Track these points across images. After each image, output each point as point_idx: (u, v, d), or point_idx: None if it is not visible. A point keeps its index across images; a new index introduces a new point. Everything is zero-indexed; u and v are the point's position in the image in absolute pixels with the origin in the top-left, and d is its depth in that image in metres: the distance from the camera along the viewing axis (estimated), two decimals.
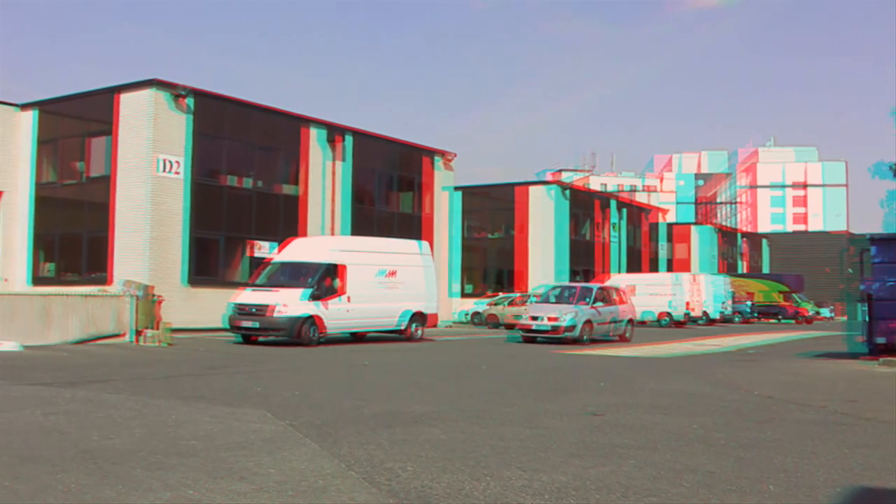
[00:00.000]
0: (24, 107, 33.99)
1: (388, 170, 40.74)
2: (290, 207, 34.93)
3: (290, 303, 24.74)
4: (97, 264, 31.06)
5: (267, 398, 11.94)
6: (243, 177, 33.63)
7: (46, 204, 33.31)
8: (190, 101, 30.89)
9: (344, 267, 26.25)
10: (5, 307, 23.00)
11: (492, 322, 43.01)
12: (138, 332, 24.22)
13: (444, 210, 43.35)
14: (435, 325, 30.46)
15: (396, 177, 41.40)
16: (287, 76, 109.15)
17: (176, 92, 30.47)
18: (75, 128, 33.13)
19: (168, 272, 29.79)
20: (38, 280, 32.85)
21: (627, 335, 31.88)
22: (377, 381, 15.48)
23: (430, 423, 9.86)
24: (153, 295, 25.12)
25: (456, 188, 46.87)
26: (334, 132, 36.82)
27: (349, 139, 37.63)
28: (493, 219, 55.77)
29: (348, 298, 26.10)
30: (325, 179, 36.33)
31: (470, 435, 9.04)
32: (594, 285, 32.70)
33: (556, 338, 28.68)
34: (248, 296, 25.50)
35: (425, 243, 31.13)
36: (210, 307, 29.32)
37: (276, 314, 24.51)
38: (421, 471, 7.03)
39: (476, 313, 45.05)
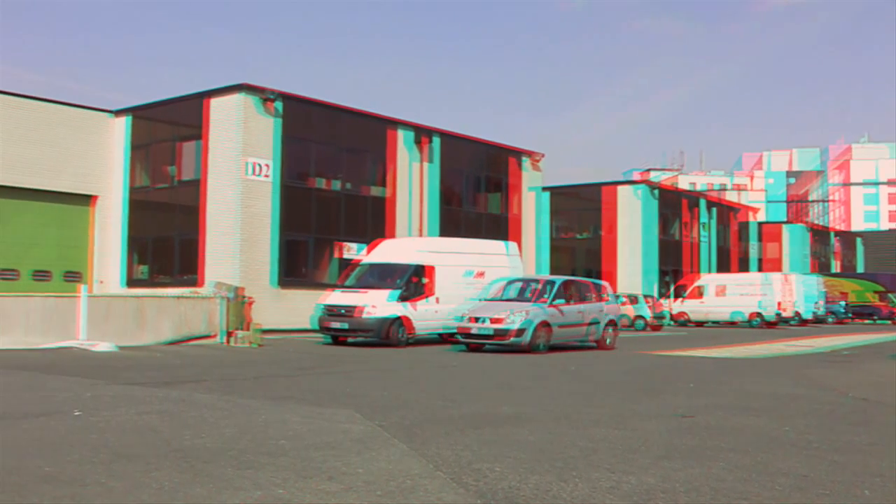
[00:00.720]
0: (117, 113, 34.72)
1: (476, 171, 40.74)
2: (377, 209, 35.13)
3: (378, 304, 24.89)
4: (189, 266, 31.59)
5: (356, 398, 12.00)
6: (331, 179, 33.92)
7: (139, 208, 33.96)
8: (278, 104, 31.25)
9: (432, 268, 26.34)
10: (101, 309, 23.47)
11: None
12: (229, 334, 24.56)
13: (532, 211, 43.21)
14: None
15: (484, 178, 41.38)
16: (374, 78, 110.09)
17: (265, 96, 30.84)
18: (167, 133, 33.74)
19: (258, 274, 30.15)
20: (131, 282, 33.52)
21: (609, 341, 26.13)
22: (465, 382, 15.47)
23: (517, 423, 9.83)
24: (243, 296, 25.46)
25: (544, 188, 46.67)
26: (421, 133, 36.94)
27: (436, 140, 37.72)
28: (580, 219, 55.47)
29: (437, 299, 26.18)
30: (413, 181, 36.47)
31: (557, 436, 8.99)
32: (558, 278, 26.08)
33: (502, 345, 23.27)
34: (338, 297, 25.72)
35: (513, 244, 31.04)
36: (299, 308, 29.61)
37: (364, 315, 24.68)
38: (508, 472, 7.00)
39: None
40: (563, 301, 24.38)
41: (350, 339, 25.67)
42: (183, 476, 6.39)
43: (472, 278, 27.61)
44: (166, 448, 7.61)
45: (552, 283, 24.96)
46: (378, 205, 35.23)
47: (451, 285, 26.70)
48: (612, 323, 26.63)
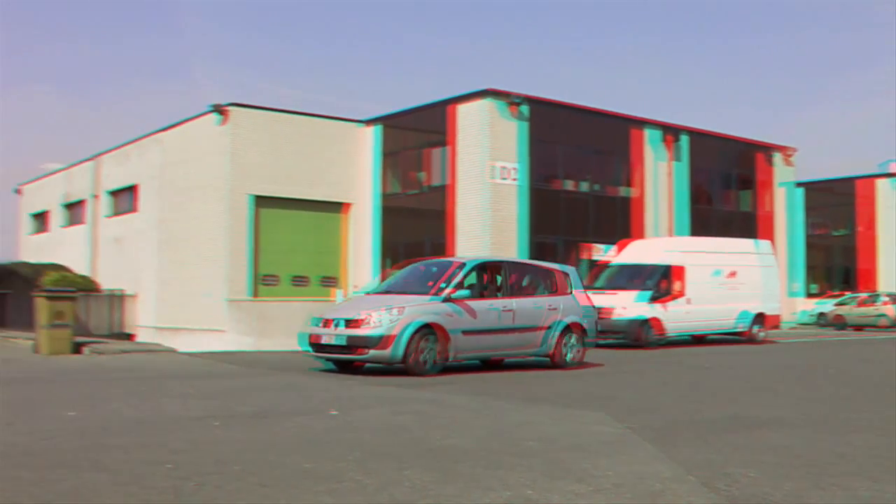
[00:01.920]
0: (368, 122, 35.83)
1: (725, 168, 39.73)
2: (625, 209, 34.81)
3: (628, 305, 24.69)
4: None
5: (606, 400, 11.92)
6: (578, 181, 33.86)
7: (391, 214, 34.91)
8: (524, 108, 31.45)
9: (682, 268, 25.88)
10: None
11: (838, 323, 40.85)
12: None
13: (783, 207, 41.76)
14: (777, 327, 29.24)
15: (734, 175, 40.31)
16: (618, 78, 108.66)
17: (510, 100, 31.10)
18: (415, 140, 34.56)
19: None
20: None
21: (569, 356, 17.91)
22: (717, 384, 15.10)
23: (772, 427, 9.49)
24: None
25: (797, 184, 44.97)
26: (667, 132, 36.35)
27: (684, 139, 37.03)
28: (835, 215, 52.90)
29: (688, 300, 25.70)
30: (660, 180, 35.94)
31: (814, 441, 8.62)
32: (477, 258, 18.53)
33: (354, 360, 15.61)
34: None
35: (765, 242, 30.07)
36: None
37: (614, 317, 24.52)
38: (761, 477, 6.77)
39: (821, 314, 43.02)
40: (469, 294, 16.37)
41: (601, 341, 25.54)
42: (434, 475, 6.52)
43: (723, 278, 26.93)
44: (418, 447, 7.78)
45: (461, 265, 16.88)
46: (625, 205, 34.91)
47: (702, 286, 26.14)
48: (573, 329, 18.05)
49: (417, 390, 12.76)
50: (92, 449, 7.34)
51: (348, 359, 15.52)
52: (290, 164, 33.76)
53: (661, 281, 25.48)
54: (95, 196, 43.22)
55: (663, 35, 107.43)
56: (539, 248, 31.73)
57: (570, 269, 19.25)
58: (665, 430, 9.19)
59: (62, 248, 45.29)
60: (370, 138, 35.67)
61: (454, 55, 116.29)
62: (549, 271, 18.80)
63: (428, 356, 15.44)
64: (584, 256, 33.00)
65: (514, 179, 31.07)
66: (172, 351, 21.71)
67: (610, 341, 25.13)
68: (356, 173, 35.52)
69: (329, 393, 12.21)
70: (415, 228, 34.10)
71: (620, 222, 34.38)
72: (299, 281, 34.31)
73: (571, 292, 18.58)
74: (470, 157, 31.17)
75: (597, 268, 28.68)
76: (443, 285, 16.15)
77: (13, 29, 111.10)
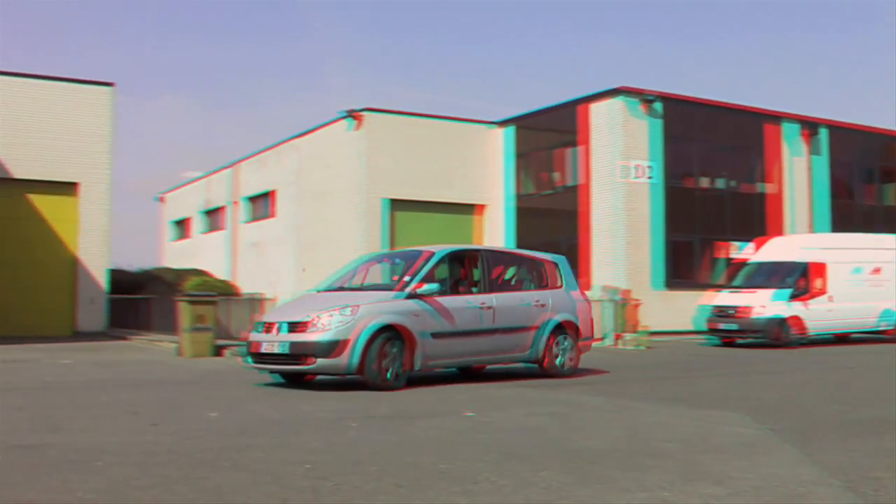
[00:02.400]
0: (500, 123, 35.89)
1: (867, 161, 38.46)
2: (762, 206, 34.04)
3: (767, 304, 24.19)
4: (577, 270, 32.06)
5: (746, 401, 11.70)
6: (714, 178, 33.27)
7: (525, 215, 34.88)
8: (657, 105, 31.05)
9: (823, 265, 25.23)
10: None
11: None
12: (616, 336, 24.73)
13: None
14: None
15: (877, 168, 39.03)
16: (751, 73, 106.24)
17: (643, 98, 30.76)
18: (548, 140, 34.44)
19: (643, 276, 30.08)
20: None
21: (561, 362, 15.38)
22: (863, 385, 14.67)
23: None
24: (630, 299, 25.57)
25: None
26: (805, 126, 35.42)
27: (823, 132, 36.01)
28: None
29: (829, 298, 25.03)
30: (797, 175, 35.01)
31: None
32: (444, 248, 14.87)
33: (302, 372, 13.01)
34: (726, 297, 25.28)
35: None
36: (685, 309, 29.25)
37: (753, 315, 24.08)
38: None
39: None
40: (439, 289, 13.72)
41: (739, 341, 25.08)
42: (569, 476, 6.50)
43: (865, 275, 26.14)
44: (554, 448, 7.76)
45: (431, 256, 14.19)
46: (761, 202, 34.12)
47: (843, 283, 25.42)
48: (566, 329, 15.61)
49: (553, 391, 12.74)
50: (232, 449, 7.54)
51: (294, 370, 12.93)
52: (423, 167, 34.09)
53: (799, 279, 24.90)
54: (234, 202, 44.34)
55: (797, 26, 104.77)
56: (675, 247, 31.29)
57: (559, 259, 16.64)
58: (807, 431, 8.98)
59: (202, 254, 46.67)
60: (503, 139, 35.73)
61: (583, 54, 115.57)
62: (535, 261, 16.22)
63: (391, 365, 12.81)
64: (721, 255, 32.41)
65: (649, 178, 30.70)
66: None
67: (748, 340, 24.68)
68: (489, 175, 35.64)
69: (466, 394, 12.28)
70: (548, 229, 33.99)
71: (757, 219, 33.62)
72: None
73: (562, 285, 16.10)
74: (603, 157, 30.94)
75: (733, 266, 28.17)
76: (407, 279, 13.53)
77: (149, 40, 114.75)
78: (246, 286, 39.06)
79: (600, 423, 9.57)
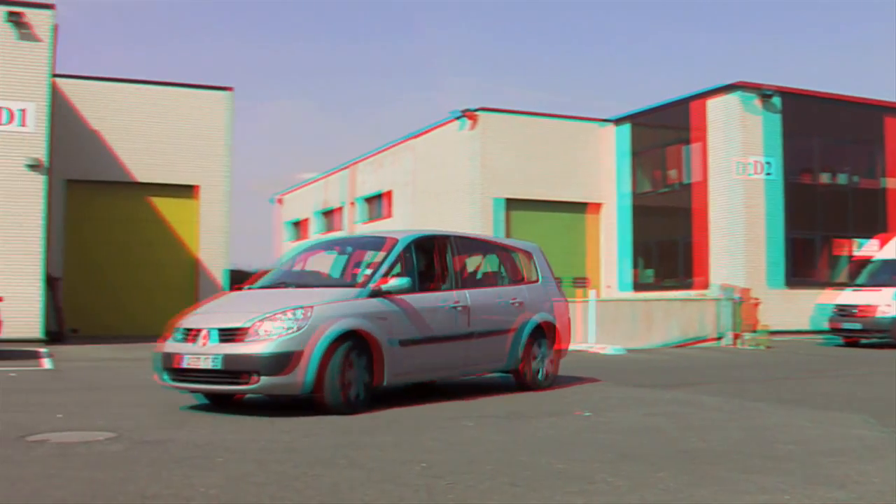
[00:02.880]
0: (615, 121, 35.64)
1: None
2: (885, 202, 33.11)
3: (892, 302, 23.52)
4: (693, 269, 31.68)
5: (870, 403, 11.43)
6: (835, 173, 32.50)
7: (642, 213, 34.58)
8: (775, 100, 30.47)
9: None
10: (609, 312, 24.21)
11: None
12: (735, 336, 24.36)
13: None
14: None
15: None
16: (874, 64, 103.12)
17: (761, 93, 30.21)
18: (664, 137, 34.08)
19: (762, 274, 29.56)
20: (637, 286, 34.19)
21: (539, 373, 12.94)
22: None
23: None
24: (749, 298, 25.14)
25: None
26: None
27: None
28: None
29: None
30: None
31: None
32: (409, 234, 11.96)
33: (237, 392, 10.40)
34: (848, 296, 24.65)
35: None
36: (805, 308, 28.70)
37: (878, 315, 23.42)
38: None
39: None
40: (410, 285, 10.92)
41: (862, 341, 24.44)
42: (687, 477, 6.45)
43: None
44: (671, 449, 7.71)
45: (395, 244, 11.43)
46: (884, 197, 33.18)
47: None
48: (546, 332, 13.23)
49: (671, 391, 12.62)
50: (348, 447, 7.67)
51: (227, 391, 10.15)
52: (538, 166, 34.08)
53: None
54: (350, 203, 44.91)
55: None
56: (794, 245, 30.67)
57: (534, 248, 14.23)
58: None
59: None
60: (617, 137, 35.48)
61: (696, 50, 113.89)
62: (508, 250, 13.71)
63: (357, 381, 10.15)
64: (842, 252, 31.64)
65: (768, 174, 30.14)
66: None
67: (872, 340, 24.02)
68: (603, 173, 35.44)
69: (580, 395, 12.23)
70: (665, 227, 33.66)
71: (880, 215, 32.72)
72: None
73: (538, 279, 13.65)
74: (722, 153, 30.49)
75: (855, 263, 27.47)
76: (370, 272, 10.89)
77: (263, 45, 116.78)
78: None
79: (718, 423, 9.46)
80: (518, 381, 12.87)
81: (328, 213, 48.88)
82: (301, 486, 6.08)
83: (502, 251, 13.62)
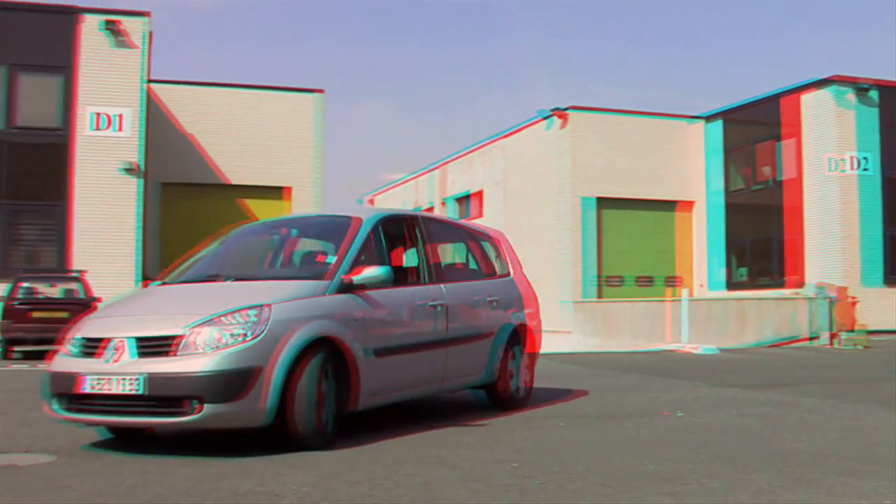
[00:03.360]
0: (706, 118, 35.22)
1: None
2: None
3: None
4: (788, 267, 31.17)
5: None
6: None
7: (734, 210, 34.12)
8: (873, 94, 29.81)
9: None
10: (701, 312, 23.95)
11: None
12: (831, 335, 23.89)
13: None
14: None
15: None
16: None
17: (857, 87, 29.59)
18: (757, 133, 33.58)
19: (857, 272, 28.97)
20: (731, 285, 33.75)
21: (516, 388, 10.45)
22: None
23: None
24: (845, 296, 24.64)
25: None
26: None
27: None
28: None
29: None
30: None
31: None
32: (374, 213, 9.29)
33: (178, 424, 7.25)
34: None
35: None
36: None
37: None
38: None
39: None
40: (387, 277, 8.29)
41: None
42: (781, 480, 6.33)
43: None
44: (765, 451, 7.57)
45: (360, 226, 8.71)
46: None
47: None
48: (521, 336, 10.80)
49: (765, 392, 12.42)
50: (439, 446, 7.68)
51: (154, 424, 7.48)
52: (629, 164, 33.86)
53: None
54: (440, 203, 45.05)
55: None
56: (893, 242, 29.98)
57: (501, 235, 11.64)
58: None
59: None
60: (709, 134, 35.07)
61: (787, 44, 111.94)
62: (478, 238, 11.04)
63: (328, 405, 7.64)
64: None
65: (864, 170, 29.51)
66: None
67: None
68: (695, 170, 35.06)
69: (675, 394, 12.11)
70: (761, 224, 33.16)
71: None
72: (644, 281, 34.31)
73: (510, 272, 11.12)
74: (818, 148, 29.95)
75: None
76: (331, 260, 8.30)
77: (351, 47, 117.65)
78: None
79: (814, 424, 9.26)
80: (493, 398, 10.41)
81: None
82: (391, 486, 6.09)
83: (471, 238, 10.96)
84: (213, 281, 8.38)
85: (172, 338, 7.06)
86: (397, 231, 9.51)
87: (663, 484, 6.18)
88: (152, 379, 6.91)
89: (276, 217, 11.91)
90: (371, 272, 8.10)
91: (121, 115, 24.31)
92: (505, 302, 10.52)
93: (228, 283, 8.25)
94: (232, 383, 6.90)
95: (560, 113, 33.39)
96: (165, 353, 7.01)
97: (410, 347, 8.72)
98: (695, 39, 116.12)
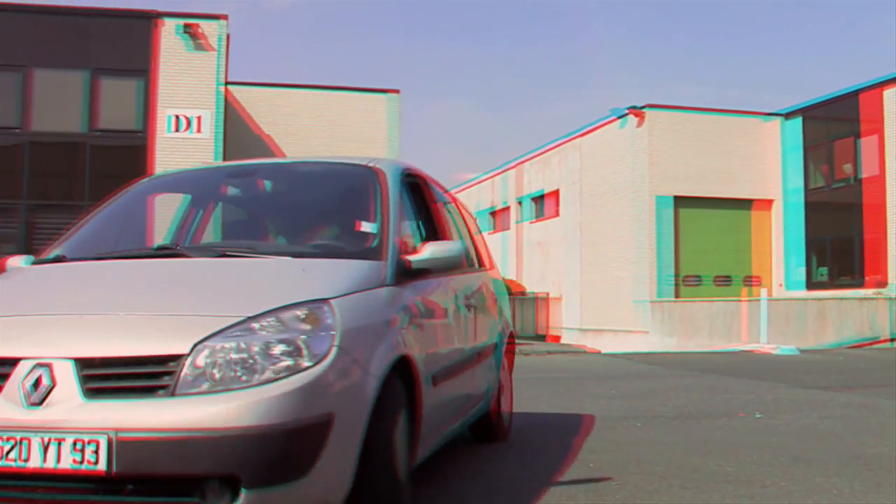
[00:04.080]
0: (786, 115, 34.76)
1: None
2: None
3: None
4: (869, 266, 30.65)
5: None
6: None
7: (815, 209, 33.63)
8: None
9: None
10: (780, 312, 23.65)
11: None
12: None
13: None
14: None
15: None
16: None
17: None
18: (838, 130, 33.07)
19: None
20: (811, 284, 33.27)
21: (501, 410, 7.50)
22: None
23: None
24: None
25: None
26: None
27: None
28: None
29: None
30: None
31: None
32: (391, 164, 5.69)
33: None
34: None
35: None
36: None
37: None
38: None
39: None
40: (464, 251, 5.25)
41: None
42: (862, 484, 6.23)
43: None
44: (846, 454, 7.45)
45: (384, 178, 5.27)
46: None
47: None
48: (507, 349, 7.92)
49: (846, 393, 12.22)
50: (509, 444, 7.67)
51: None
52: (706, 163, 33.54)
53: None
54: (517, 202, 45.07)
55: None
56: None
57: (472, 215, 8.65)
58: None
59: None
60: (787, 131, 34.61)
61: (863, 39, 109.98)
62: (455, 204, 7.49)
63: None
64: None
65: None
66: (597, 352, 22.22)
67: None
68: (772, 168, 34.62)
69: (753, 395, 11.97)
70: (839, 223, 32.65)
71: None
72: (722, 280, 33.99)
73: (486, 266, 7.84)
74: None
75: None
76: (373, 229, 4.93)
77: (428, 47, 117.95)
78: (531, 285, 39.76)
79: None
80: (486, 429, 7.59)
81: (496, 213, 49.15)
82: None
83: (453, 207, 7.34)
84: (172, 258, 4.78)
85: (163, 360, 3.53)
86: (420, 193, 6.13)
87: (741, 486, 6.12)
88: (125, 444, 3.32)
89: (245, 162, 6.73)
90: (442, 249, 4.99)
91: (199, 117, 24.71)
92: (499, 297, 7.98)
93: (204, 259, 4.75)
94: (291, 448, 3.49)
95: (636, 111, 33.20)
96: (149, 391, 3.48)
97: (456, 368, 5.70)
98: (773, 35, 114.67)
